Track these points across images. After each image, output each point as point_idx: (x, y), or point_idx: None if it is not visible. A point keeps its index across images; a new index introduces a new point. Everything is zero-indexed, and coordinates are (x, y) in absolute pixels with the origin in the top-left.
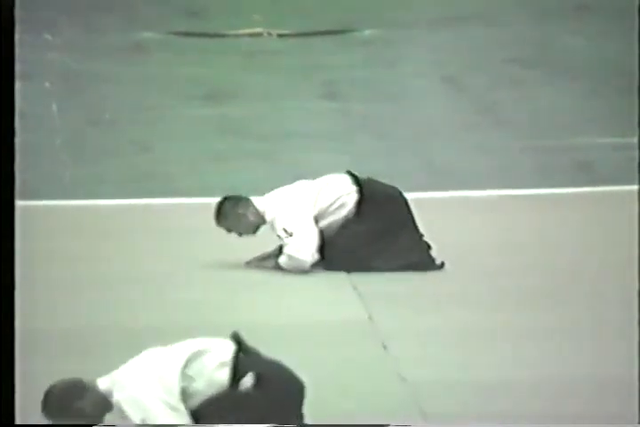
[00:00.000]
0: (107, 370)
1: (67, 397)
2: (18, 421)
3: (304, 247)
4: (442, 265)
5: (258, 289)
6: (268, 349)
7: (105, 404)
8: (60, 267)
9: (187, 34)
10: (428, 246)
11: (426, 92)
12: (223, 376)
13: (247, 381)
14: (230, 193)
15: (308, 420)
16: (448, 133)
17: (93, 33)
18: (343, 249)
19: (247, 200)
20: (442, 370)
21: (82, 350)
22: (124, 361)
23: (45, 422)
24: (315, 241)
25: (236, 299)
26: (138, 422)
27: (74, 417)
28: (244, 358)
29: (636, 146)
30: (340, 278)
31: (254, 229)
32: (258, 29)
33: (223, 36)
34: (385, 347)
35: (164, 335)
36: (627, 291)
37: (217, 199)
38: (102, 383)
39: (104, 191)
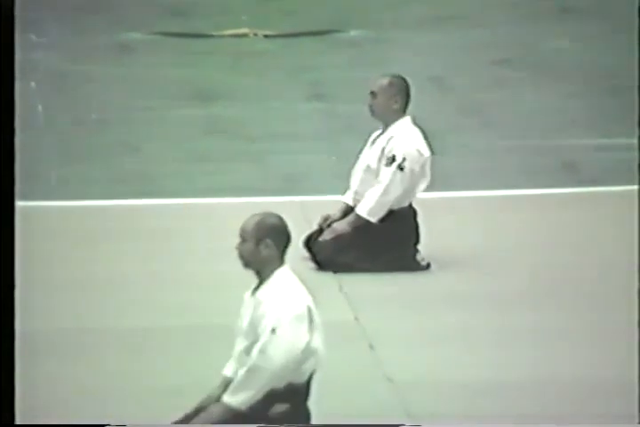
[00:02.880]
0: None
1: None
2: (18, 421)
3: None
4: (428, 266)
5: (244, 289)
6: None
7: None
8: (43, 268)
9: (173, 34)
10: (416, 248)
11: (412, 92)
12: None
13: None
14: (216, 194)
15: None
16: (434, 134)
17: (80, 33)
18: (332, 249)
19: None
20: (428, 371)
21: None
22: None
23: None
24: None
25: (224, 299)
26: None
27: None
28: None
29: (620, 146)
30: (326, 279)
31: None
32: (244, 30)
33: (209, 36)
34: (371, 348)
35: (161, 336)
36: (614, 291)
37: (204, 200)
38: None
39: (91, 192)
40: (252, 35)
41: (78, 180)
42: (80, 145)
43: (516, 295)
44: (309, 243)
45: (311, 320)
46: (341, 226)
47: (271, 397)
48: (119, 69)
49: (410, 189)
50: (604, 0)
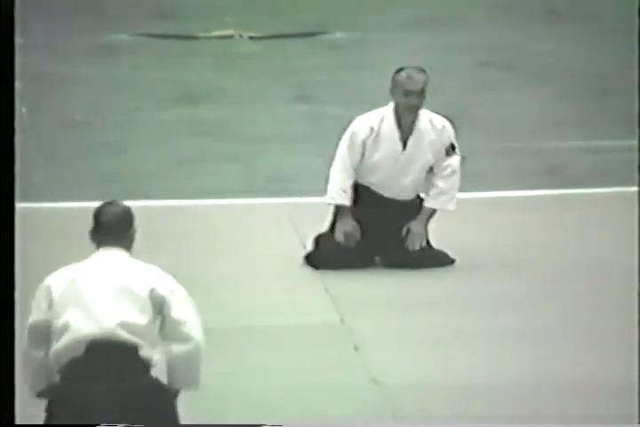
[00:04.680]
0: None
1: None
2: (18, 421)
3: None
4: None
5: (229, 291)
6: (239, 351)
7: None
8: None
9: (158, 36)
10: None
11: None
12: None
13: None
14: (201, 196)
15: (280, 422)
16: None
17: (65, 35)
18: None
19: None
20: (414, 373)
21: None
22: None
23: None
24: None
25: (207, 300)
26: None
27: None
28: None
29: (606, 148)
30: (312, 281)
31: None
32: (229, 31)
33: (195, 38)
34: (357, 350)
35: None
36: (607, 291)
37: (189, 202)
38: None
39: (76, 194)
40: (237, 36)
41: (63, 181)
42: (65, 147)
43: (504, 296)
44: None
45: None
46: (419, 229)
47: None
48: (105, 71)
49: None
50: (590, 2)
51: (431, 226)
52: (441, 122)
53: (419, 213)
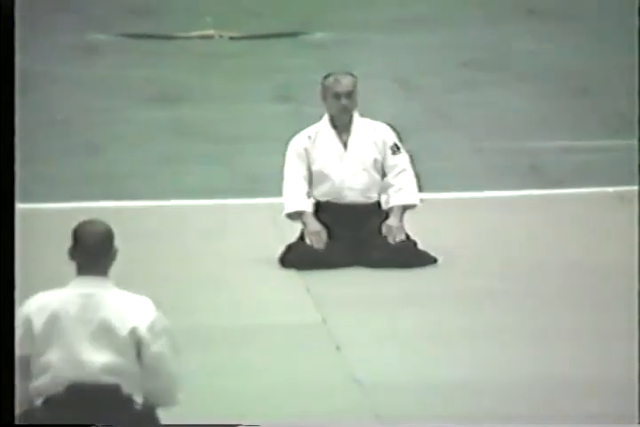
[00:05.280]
0: None
1: None
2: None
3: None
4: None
5: (210, 291)
6: (221, 351)
7: None
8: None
9: (138, 36)
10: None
11: (379, 93)
12: None
13: None
14: (182, 196)
15: (261, 421)
16: (402, 136)
17: (45, 34)
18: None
19: None
20: (395, 372)
21: None
22: None
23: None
24: None
25: (189, 300)
26: None
27: None
28: None
29: (587, 148)
30: (293, 280)
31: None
32: (209, 31)
33: (175, 38)
34: (338, 349)
35: None
36: (580, 290)
37: (170, 202)
38: None
39: (55, 194)
40: (217, 36)
41: (42, 181)
42: (44, 146)
43: (486, 295)
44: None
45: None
46: (396, 223)
47: None
48: (84, 70)
49: None
50: (571, 2)
51: (413, 225)
52: (378, 124)
53: (386, 215)
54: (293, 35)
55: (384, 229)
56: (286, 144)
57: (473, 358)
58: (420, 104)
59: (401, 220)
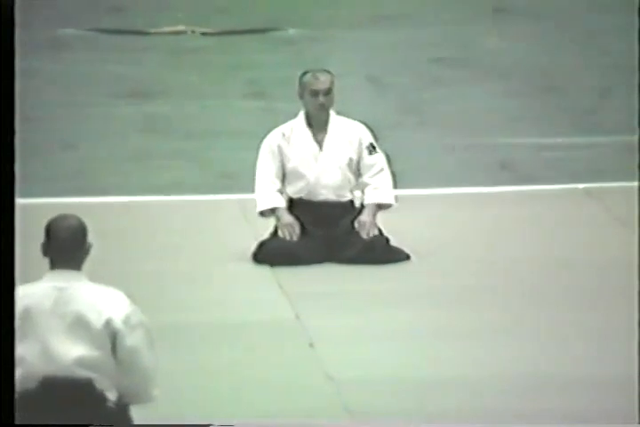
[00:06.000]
0: None
1: None
2: (18, 421)
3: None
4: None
5: (183, 288)
6: (194, 348)
7: None
8: None
9: (110, 31)
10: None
11: (350, 90)
12: None
13: None
14: (155, 192)
15: (233, 419)
16: (373, 133)
17: (16, 28)
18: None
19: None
20: (369, 369)
21: None
22: None
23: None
24: None
25: (161, 297)
26: None
27: None
28: None
29: (558, 145)
30: (266, 277)
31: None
32: (181, 27)
33: (146, 33)
34: (311, 346)
35: None
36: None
37: (141, 198)
38: None
39: (27, 190)
40: (189, 32)
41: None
42: (16, 142)
43: (460, 291)
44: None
45: None
46: (369, 218)
47: None
48: (55, 66)
49: None
50: (540, 0)
51: (386, 222)
52: (355, 123)
53: (360, 212)
54: (266, 31)
55: (356, 225)
56: (258, 140)
57: (447, 354)
58: (391, 101)
59: (374, 216)
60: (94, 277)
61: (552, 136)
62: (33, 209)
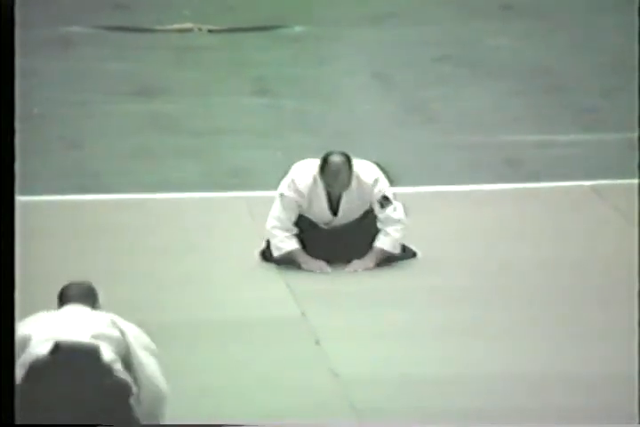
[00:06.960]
0: None
1: None
2: (18, 421)
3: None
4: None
5: (189, 285)
6: (201, 346)
7: None
8: None
9: (116, 28)
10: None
11: (356, 88)
12: None
13: None
14: (160, 189)
15: (240, 417)
16: (378, 130)
17: (21, 27)
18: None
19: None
20: (374, 367)
21: None
22: None
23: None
24: None
25: (168, 296)
26: None
27: None
28: None
29: (561, 143)
30: (272, 275)
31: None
32: (187, 25)
33: (153, 31)
34: (318, 343)
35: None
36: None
37: (148, 196)
38: None
39: (32, 188)
40: (196, 29)
41: (19, 175)
42: (22, 140)
43: (466, 290)
44: None
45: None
46: (371, 264)
47: None
48: (61, 63)
49: None
50: None
51: None
52: (372, 177)
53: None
54: (272, 28)
55: (354, 263)
56: (264, 137)
57: (452, 352)
58: (395, 99)
59: (375, 263)
60: (99, 275)
61: (555, 133)
62: (37, 207)
